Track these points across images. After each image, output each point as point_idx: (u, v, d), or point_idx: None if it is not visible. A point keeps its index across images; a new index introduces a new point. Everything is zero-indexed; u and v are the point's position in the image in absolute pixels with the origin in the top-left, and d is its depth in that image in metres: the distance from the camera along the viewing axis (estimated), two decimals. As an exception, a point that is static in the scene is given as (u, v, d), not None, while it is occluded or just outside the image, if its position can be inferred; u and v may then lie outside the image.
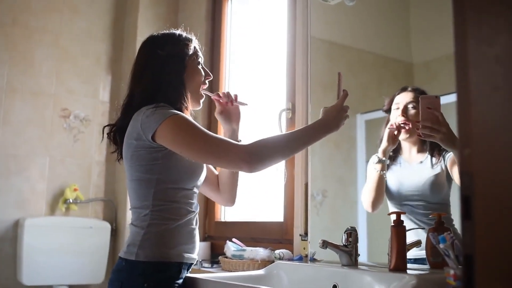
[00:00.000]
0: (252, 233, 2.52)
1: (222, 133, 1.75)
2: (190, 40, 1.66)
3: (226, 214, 2.83)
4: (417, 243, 1.65)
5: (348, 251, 1.67)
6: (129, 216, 1.63)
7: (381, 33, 2.12)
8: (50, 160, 3.00)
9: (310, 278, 1.68)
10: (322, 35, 2.22)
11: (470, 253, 0.71)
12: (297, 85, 2.29)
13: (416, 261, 1.66)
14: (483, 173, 0.73)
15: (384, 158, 1.81)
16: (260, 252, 2.14)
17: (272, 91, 2.65)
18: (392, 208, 1.82)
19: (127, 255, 1.50)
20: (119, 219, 3.10)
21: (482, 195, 0.72)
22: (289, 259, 2.07)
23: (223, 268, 2.24)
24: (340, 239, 1.69)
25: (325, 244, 1.66)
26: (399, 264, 1.53)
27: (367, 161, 1.92)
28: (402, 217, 1.59)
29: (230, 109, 1.74)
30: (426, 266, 1.58)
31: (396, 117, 1.81)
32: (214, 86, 2.88)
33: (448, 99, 1.57)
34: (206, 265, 2.40)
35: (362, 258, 1.75)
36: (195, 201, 1.60)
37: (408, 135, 1.80)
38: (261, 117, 2.64)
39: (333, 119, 1.55)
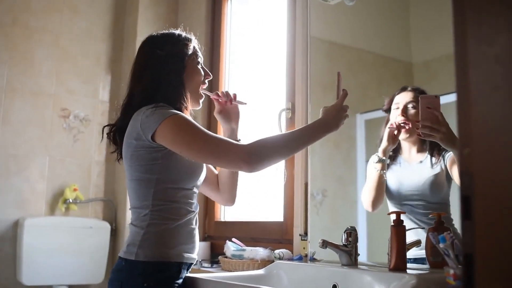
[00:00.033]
0: (252, 233, 2.52)
1: (221, 133, 1.75)
2: (189, 40, 1.66)
3: (226, 214, 2.83)
4: (416, 243, 1.65)
5: (348, 251, 1.67)
6: (128, 216, 1.63)
7: (381, 32, 2.12)
8: (50, 160, 3.00)
9: (310, 278, 1.68)
10: (321, 35, 2.22)
11: (470, 253, 0.71)
12: (297, 85, 2.29)
13: (416, 260, 1.67)
14: (483, 173, 0.73)
15: (384, 158, 1.81)
16: (260, 252, 2.14)
17: (272, 91, 2.65)
18: (392, 207, 1.82)
19: (127, 255, 1.50)
20: (118, 219, 3.10)
21: (482, 195, 0.72)
22: (289, 259, 2.07)
23: (223, 268, 2.24)
24: (340, 238, 1.69)
25: (325, 244, 1.66)
26: (399, 264, 1.53)
27: (367, 161, 1.92)
28: (402, 217, 1.59)
29: (229, 109, 1.74)
30: (426, 266, 1.58)
31: (396, 117, 1.81)
32: (214, 86, 2.88)
33: (448, 99, 1.57)
34: (206, 265, 2.40)
35: (362, 257, 1.75)
36: (195, 201, 1.60)
37: (408, 135, 1.80)
38: (261, 117, 2.64)
39: (332, 119, 1.55)
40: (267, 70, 2.73)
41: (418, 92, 1.76)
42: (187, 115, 1.56)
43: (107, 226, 3.00)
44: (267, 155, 1.46)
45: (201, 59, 1.68)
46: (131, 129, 1.52)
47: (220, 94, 1.73)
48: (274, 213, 2.50)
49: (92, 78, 3.20)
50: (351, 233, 1.68)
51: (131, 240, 1.52)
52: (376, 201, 1.85)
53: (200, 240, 1.65)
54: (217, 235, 2.76)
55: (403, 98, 1.81)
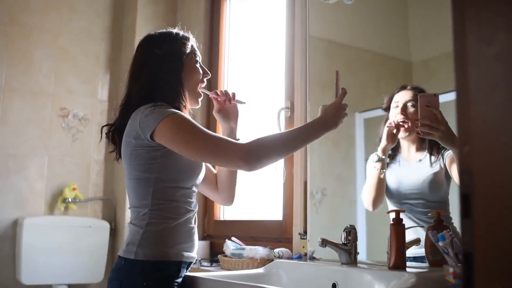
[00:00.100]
0: (251, 231, 2.52)
1: (220, 132, 1.75)
2: (187, 39, 1.65)
3: (225, 213, 2.83)
4: (416, 241, 1.65)
5: (348, 250, 1.67)
6: (128, 215, 1.63)
7: (379, 31, 2.12)
8: (49, 160, 3.00)
9: (310, 277, 1.68)
10: (320, 34, 2.22)
11: (470, 251, 0.71)
12: (296, 83, 2.29)
13: (415, 259, 1.67)
14: (483, 171, 0.73)
15: (383, 157, 1.81)
16: (260, 251, 2.14)
17: (270, 89, 2.65)
18: (391, 206, 1.82)
19: (126, 254, 1.50)
20: (118, 218, 3.10)
21: (481, 193, 0.72)
22: (288, 258, 2.07)
23: (222, 267, 2.24)
24: (339, 237, 1.69)
25: (325, 243, 1.66)
26: (398, 262, 1.53)
27: (366, 160, 1.92)
28: (401, 216, 1.59)
29: (228, 108, 1.74)
30: (425, 264, 1.58)
31: (395, 115, 1.81)
32: (212, 85, 2.88)
33: (447, 98, 1.57)
34: (205, 264, 2.40)
35: (362, 256, 1.75)
36: (194, 200, 1.60)
37: (407, 133, 1.80)
38: (260, 115, 2.64)
39: (331, 117, 1.55)
40: (266, 69, 2.73)
41: (418, 91, 1.76)
42: (186, 114, 1.56)
43: (106, 225, 3.00)
44: (266, 154, 1.46)
45: (199, 57, 1.68)
46: (130, 128, 1.52)
47: (219, 93, 1.73)
48: (273, 212, 2.50)
49: (91, 78, 3.19)
50: (351, 231, 1.68)
51: (131, 239, 1.52)
52: (376, 201, 1.85)
53: (199, 239, 1.65)
54: (216, 234, 2.76)
55: (402, 97, 1.81)
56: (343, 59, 2.25)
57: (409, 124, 1.77)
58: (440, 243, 1.29)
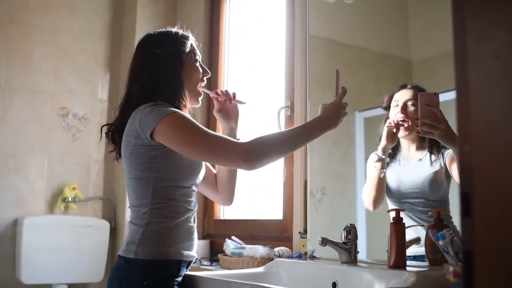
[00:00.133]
0: (251, 231, 2.52)
1: (220, 132, 1.75)
2: (186, 38, 1.65)
3: (225, 212, 2.83)
4: (416, 240, 1.65)
5: (348, 249, 1.67)
6: (128, 214, 1.63)
7: (379, 30, 2.11)
8: (48, 159, 3.00)
9: (310, 276, 1.68)
10: (320, 33, 2.22)
11: (470, 250, 0.71)
12: (296, 83, 2.29)
13: (415, 258, 1.66)
14: (483, 170, 0.73)
15: (383, 157, 1.81)
16: (260, 250, 2.14)
17: (270, 89, 2.65)
18: (391, 205, 1.82)
19: (126, 253, 1.50)
20: (118, 217, 3.10)
21: (481, 192, 0.72)
22: (288, 257, 2.07)
23: (222, 266, 2.24)
24: (339, 236, 1.69)
25: (325, 242, 1.66)
26: (399, 261, 1.53)
27: (366, 159, 1.92)
28: (402, 215, 1.59)
29: (228, 108, 1.73)
30: (426, 263, 1.58)
31: (395, 114, 1.81)
32: (212, 84, 2.88)
33: (447, 96, 1.57)
34: (205, 263, 2.40)
35: (362, 255, 1.75)
36: (193, 199, 1.59)
37: (407, 132, 1.80)
38: (260, 115, 2.64)
39: (331, 116, 1.55)
40: (266, 68, 2.73)
41: (418, 90, 1.76)
42: (185, 113, 1.56)
43: (106, 225, 3.00)
44: (266, 153, 1.46)
45: (199, 56, 1.68)
46: (130, 128, 1.52)
47: (219, 93, 1.73)
48: (273, 211, 2.50)
49: (90, 77, 3.19)
50: (351, 230, 1.68)
51: (130, 238, 1.51)
52: (377, 200, 1.84)
53: (199, 238, 1.65)
54: (216, 233, 2.76)
55: (402, 96, 1.81)
56: (343, 58, 2.25)
57: (409, 122, 1.77)
58: (440, 242, 1.29)
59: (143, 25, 3.10)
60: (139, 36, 1.72)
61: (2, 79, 2.90)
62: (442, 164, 1.72)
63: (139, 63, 1.62)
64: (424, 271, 1.45)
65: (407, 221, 1.62)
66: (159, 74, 1.57)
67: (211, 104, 2.09)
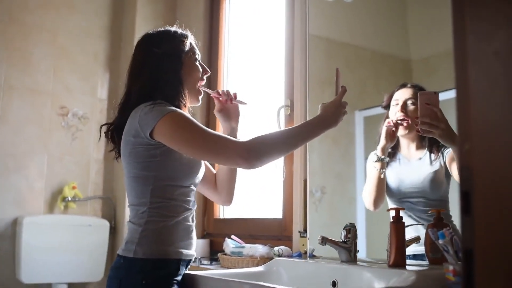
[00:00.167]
0: (251, 230, 2.52)
1: (221, 131, 1.75)
2: (185, 37, 1.65)
3: (225, 211, 2.84)
4: (416, 239, 1.65)
5: (347, 248, 1.67)
6: (127, 213, 1.63)
7: (379, 29, 2.11)
8: (48, 158, 2.99)
9: (310, 275, 1.68)
10: (320, 32, 2.22)
11: (470, 248, 0.71)
12: (295, 82, 2.29)
13: (415, 257, 1.66)
14: (483, 169, 0.73)
15: (383, 157, 1.81)
16: (259, 249, 2.14)
17: (270, 88, 2.65)
18: (391, 205, 1.82)
19: (126, 252, 1.50)
20: (118, 216, 3.10)
21: (481, 191, 0.72)
22: (288, 256, 2.07)
23: (222, 265, 2.24)
24: (339, 235, 1.69)
25: (324, 241, 1.66)
26: (398, 260, 1.53)
27: (366, 158, 1.91)
28: (401, 214, 1.59)
29: (229, 108, 1.73)
30: (425, 262, 1.58)
31: (395, 113, 1.81)
32: (212, 84, 2.88)
33: (447, 95, 1.57)
34: (205, 262, 2.40)
35: (361, 254, 1.75)
36: (192, 198, 1.59)
37: (407, 131, 1.79)
38: (260, 114, 2.64)
39: (331, 115, 1.55)
40: (266, 67, 2.73)
41: (418, 89, 1.76)
42: (185, 112, 1.56)
43: (106, 224, 3.00)
44: (266, 152, 1.46)
45: (198, 55, 1.67)
46: (129, 127, 1.52)
47: (220, 93, 1.73)
48: (273, 210, 2.50)
49: (90, 76, 3.19)
50: (350, 229, 1.68)
51: (130, 237, 1.51)
52: (377, 200, 1.84)
53: (199, 238, 1.65)
54: (216, 232, 2.76)
55: (402, 95, 1.81)
56: (343, 57, 2.25)
57: (409, 121, 1.77)
58: (440, 241, 1.29)
59: (143, 24, 3.10)
60: (138, 35, 1.72)
61: (2, 78, 2.90)
62: (442, 163, 1.72)
63: (138, 63, 1.61)
64: (424, 270, 1.45)
65: (407, 220, 1.62)
66: (159, 74, 1.56)
67: (211, 103, 2.09)
